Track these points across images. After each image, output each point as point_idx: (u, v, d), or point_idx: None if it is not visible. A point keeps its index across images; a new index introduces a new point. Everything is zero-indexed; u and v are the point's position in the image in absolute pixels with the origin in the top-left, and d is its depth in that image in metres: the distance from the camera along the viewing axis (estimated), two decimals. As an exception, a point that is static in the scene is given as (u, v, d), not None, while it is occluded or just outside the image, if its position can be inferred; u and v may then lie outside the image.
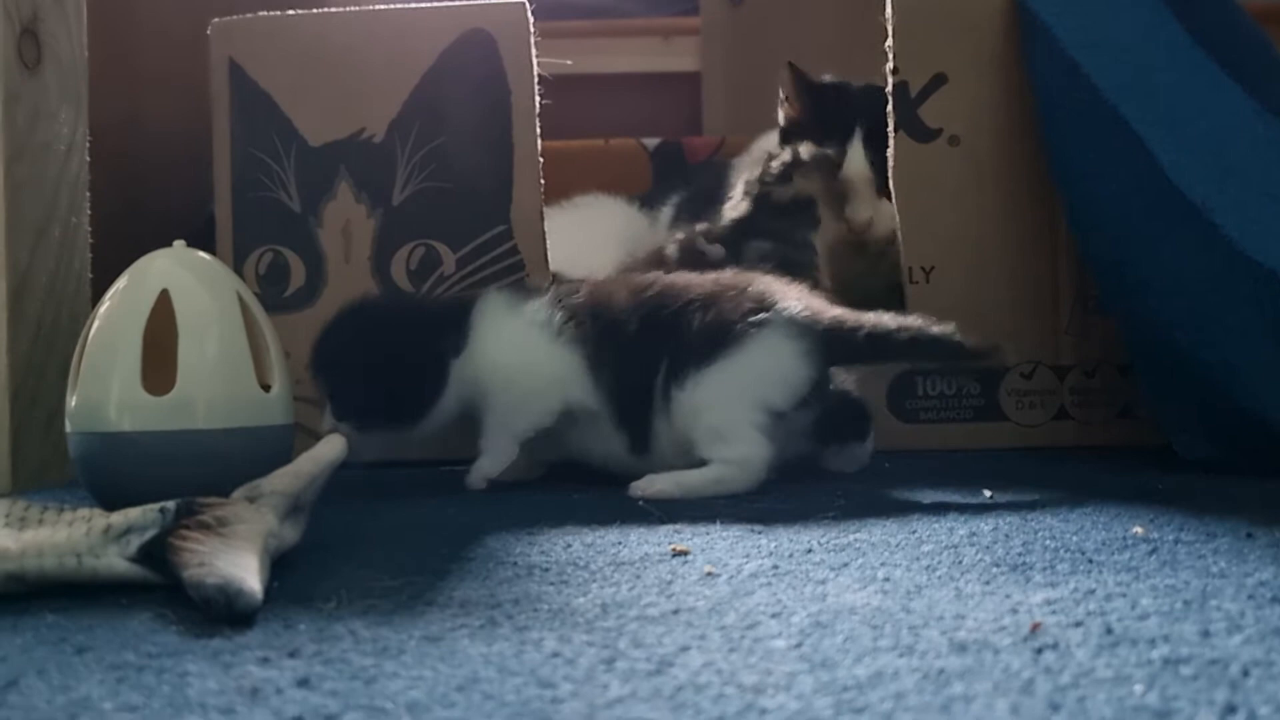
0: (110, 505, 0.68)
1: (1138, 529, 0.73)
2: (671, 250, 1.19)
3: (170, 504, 0.63)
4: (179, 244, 0.86)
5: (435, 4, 1.15)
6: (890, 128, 1.15)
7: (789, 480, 0.93)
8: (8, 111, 0.99)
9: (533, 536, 0.75)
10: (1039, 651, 0.48)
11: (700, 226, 1.23)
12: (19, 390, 1.00)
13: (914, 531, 0.74)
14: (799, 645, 0.50)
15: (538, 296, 0.98)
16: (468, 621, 0.55)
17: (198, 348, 0.81)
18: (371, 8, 1.16)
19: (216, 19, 1.15)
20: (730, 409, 0.90)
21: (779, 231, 1.19)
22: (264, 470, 0.72)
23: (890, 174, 1.16)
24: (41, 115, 1.03)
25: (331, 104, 1.13)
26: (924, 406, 1.15)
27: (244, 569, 0.58)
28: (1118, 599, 0.56)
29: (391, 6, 1.16)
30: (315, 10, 1.18)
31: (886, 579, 0.61)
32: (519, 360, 0.95)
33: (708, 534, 0.75)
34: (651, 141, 1.67)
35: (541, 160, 1.13)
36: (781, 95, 1.35)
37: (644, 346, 0.93)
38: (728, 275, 0.99)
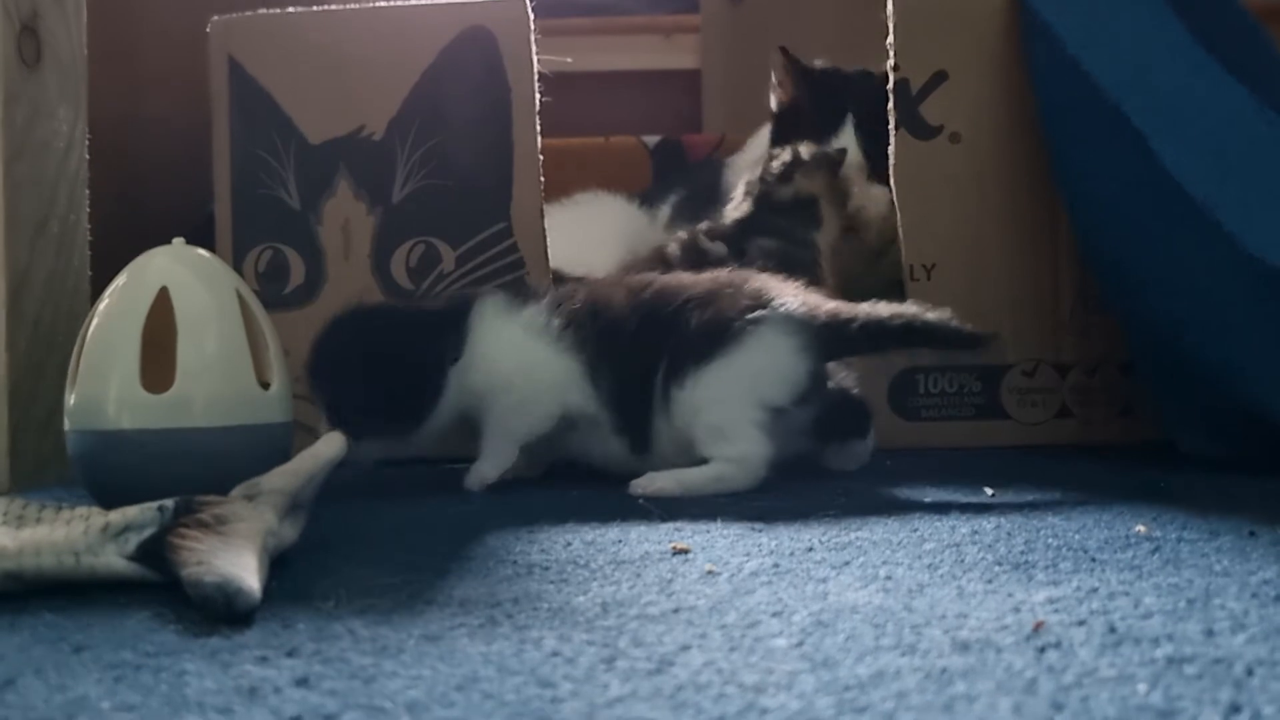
0: (109, 503, 0.68)
1: (1140, 527, 0.72)
2: (673, 249, 1.19)
3: (169, 502, 0.63)
4: (178, 241, 0.86)
5: (435, 1, 1.15)
6: (891, 122, 1.15)
7: (790, 478, 0.93)
8: (7, 109, 0.99)
9: (532, 534, 0.75)
10: (1042, 650, 0.47)
11: (702, 225, 1.23)
12: (17, 388, 0.99)
13: (916, 530, 0.74)
14: (800, 644, 0.49)
15: (535, 300, 0.97)
16: (467, 620, 0.54)
17: (197, 345, 0.81)
18: (371, 5, 1.16)
19: (216, 16, 1.15)
20: (730, 407, 0.90)
21: (782, 230, 1.19)
22: (263, 468, 0.72)
23: (891, 171, 1.16)
24: (41, 113, 1.02)
25: (331, 101, 1.13)
26: (925, 404, 1.15)
27: (242, 568, 0.58)
28: (1121, 598, 0.55)
29: (391, 4, 1.15)
30: (315, 8, 1.17)
31: (888, 577, 0.61)
32: (518, 366, 0.94)
33: (708, 532, 0.75)
34: (652, 139, 1.67)
35: (541, 158, 1.13)
36: (774, 80, 1.35)
37: (643, 347, 0.93)
38: (724, 274, 0.98)
